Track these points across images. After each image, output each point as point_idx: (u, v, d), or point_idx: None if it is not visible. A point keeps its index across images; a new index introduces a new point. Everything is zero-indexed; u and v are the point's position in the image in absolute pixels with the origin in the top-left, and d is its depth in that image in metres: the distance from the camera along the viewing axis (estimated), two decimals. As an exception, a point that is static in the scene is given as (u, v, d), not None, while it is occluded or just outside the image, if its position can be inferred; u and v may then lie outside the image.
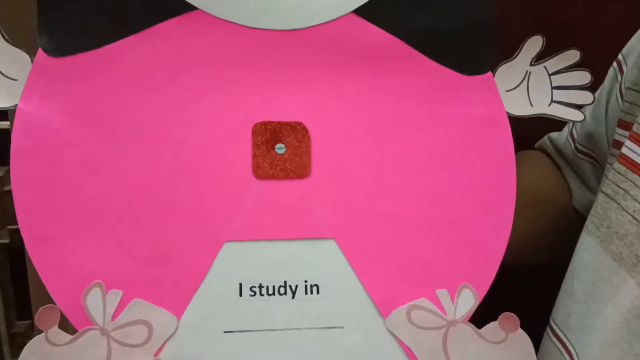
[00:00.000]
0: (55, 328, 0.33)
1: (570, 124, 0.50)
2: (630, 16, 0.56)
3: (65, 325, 0.33)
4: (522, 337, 0.37)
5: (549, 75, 0.41)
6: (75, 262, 0.34)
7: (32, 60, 0.35)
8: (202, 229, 0.36)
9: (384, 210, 0.38)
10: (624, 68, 0.43)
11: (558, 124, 0.52)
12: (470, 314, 0.37)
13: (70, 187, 0.34)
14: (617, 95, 0.43)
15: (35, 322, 0.32)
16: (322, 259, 0.37)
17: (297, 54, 0.38)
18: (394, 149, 0.38)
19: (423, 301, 0.37)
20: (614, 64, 0.45)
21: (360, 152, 0.38)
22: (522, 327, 0.37)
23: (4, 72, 0.34)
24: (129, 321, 0.33)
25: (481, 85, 0.40)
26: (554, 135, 0.51)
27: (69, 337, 0.33)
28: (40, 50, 0.35)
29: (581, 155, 0.47)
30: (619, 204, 0.37)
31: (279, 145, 0.37)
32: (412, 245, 0.38)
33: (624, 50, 0.44)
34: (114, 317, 0.33)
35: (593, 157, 0.46)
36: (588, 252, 0.38)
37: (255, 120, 0.37)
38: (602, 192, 0.39)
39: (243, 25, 0.37)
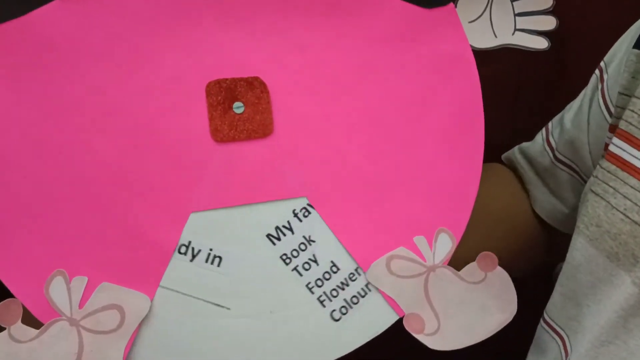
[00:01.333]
0: (19, 323, 0.31)
1: (544, 132, 0.48)
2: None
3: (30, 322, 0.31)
4: (501, 275, 0.37)
5: (511, 1, 0.39)
6: (33, 252, 0.31)
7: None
8: (166, 203, 0.34)
9: (354, 162, 0.36)
10: (605, 76, 0.42)
11: (523, 132, 0.50)
12: (449, 257, 0.37)
13: (14, 172, 0.32)
14: (599, 103, 0.42)
15: None
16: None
17: (247, 2, 0.35)
18: (359, 96, 0.36)
19: (401, 250, 0.36)
20: (596, 71, 0.44)
21: (324, 103, 0.36)
22: (514, 321, 0.37)
23: None
24: (98, 307, 0.32)
25: (444, 19, 0.38)
26: (524, 145, 0.49)
27: (34, 331, 0.31)
28: None
29: (560, 165, 0.45)
30: (608, 202, 0.37)
31: (236, 104, 0.35)
32: (386, 195, 0.37)
33: (606, 58, 0.43)
34: (81, 305, 0.32)
35: (573, 168, 0.45)
36: (580, 252, 0.38)
37: (208, 79, 0.35)
38: (592, 191, 0.38)
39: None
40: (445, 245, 0.37)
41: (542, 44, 0.39)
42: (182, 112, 0.34)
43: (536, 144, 0.48)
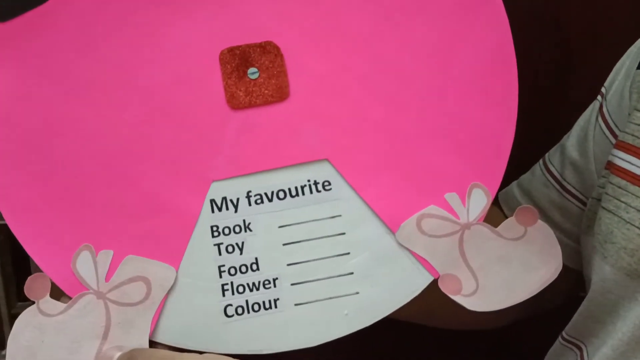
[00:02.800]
0: (47, 297, 0.31)
1: (540, 162, 0.45)
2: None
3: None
4: (543, 229, 0.35)
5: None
6: (58, 228, 0.32)
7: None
8: (186, 172, 0.34)
9: (376, 118, 0.35)
10: (604, 103, 0.41)
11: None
12: (484, 213, 0.35)
13: (39, 152, 0.33)
14: (601, 128, 0.40)
15: (25, 292, 0.31)
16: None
17: (254, -35, 0.34)
18: (377, 49, 0.35)
19: (432, 208, 0.35)
20: (598, 97, 0.42)
21: (340, 59, 0.35)
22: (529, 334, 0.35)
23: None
24: (124, 279, 0.32)
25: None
26: (522, 180, 0.46)
27: (62, 305, 0.31)
28: None
29: (569, 197, 0.43)
30: (621, 217, 0.35)
31: (251, 69, 0.34)
32: (412, 151, 0.35)
33: (606, 84, 0.42)
34: (107, 278, 0.32)
35: (582, 202, 0.42)
36: (598, 273, 0.36)
37: (221, 47, 0.34)
38: (603, 208, 0.37)
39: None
40: (480, 201, 0.35)
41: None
42: (197, 81, 0.34)
43: (535, 176, 0.45)
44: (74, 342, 0.31)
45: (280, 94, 0.34)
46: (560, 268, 0.35)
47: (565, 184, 0.43)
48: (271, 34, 0.34)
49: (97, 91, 0.33)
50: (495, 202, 0.46)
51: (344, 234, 0.34)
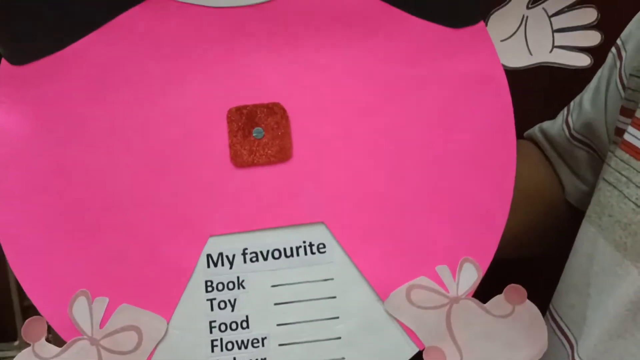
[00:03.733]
0: (43, 341, 0.32)
1: (565, 112, 0.46)
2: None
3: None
4: (530, 309, 0.35)
5: (549, 17, 0.37)
6: (58, 271, 0.33)
7: (-3, 71, 0.34)
8: (185, 225, 0.35)
9: (374, 187, 0.35)
10: (623, 54, 0.40)
11: (549, 112, 0.48)
12: (474, 289, 0.35)
13: (46, 194, 0.34)
14: (616, 82, 0.40)
15: (22, 335, 0.32)
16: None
17: (268, 29, 0.35)
18: (381, 120, 0.36)
19: (423, 279, 0.35)
20: (613, 49, 0.42)
21: (344, 127, 0.36)
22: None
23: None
24: (117, 328, 0.33)
25: (473, 38, 0.36)
26: (545, 124, 0.48)
27: (57, 349, 0.33)
28: (3, 60, 0.34)
29: (577, 143, 0.44)
30: (621, 191, 0.35)
31: (256, 129, 0.36)
32: (407, 221, 0.35)
33: (622, 35, 0.41)
34: (102, 324, 0.33)
35: (590, 146, 0.43)
36: (589, 242, 0.36)
37: (229, 105, 0.35)
38: (604, 180, 0.37)
39: (207, 6, 0.35)
40: (470, 275, 0.35)
41: (584, 61, 0.37)
42: (204, 136, 0.35)
43: (556, 124, 0.47)
44: (64, 388, 0.32)
45: (283, 155, 0.35)
46: (545, 349, 0.35)
47: (575, 133, 0.44)
48: (279, 96, 0.35)
49: (105, 139, 0.34)
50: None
51: (334, 297, 0.35)
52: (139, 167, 0.35)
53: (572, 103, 0.46)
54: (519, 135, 0.41)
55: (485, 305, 0.35)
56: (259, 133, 0.35)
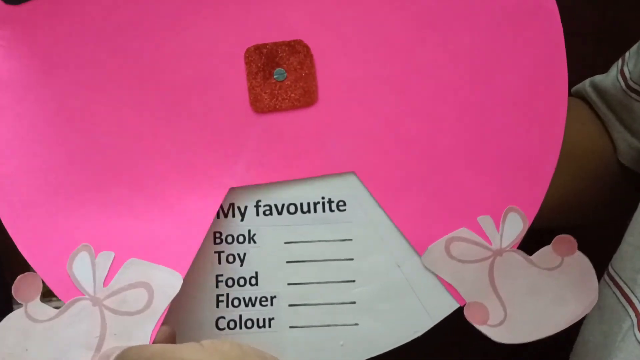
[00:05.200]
0: (37, 300, 0.29)
1: (620, 62, 0.42)
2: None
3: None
4: (580, 260, 0.33)
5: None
6: (58, 227, 0.30)
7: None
8: (202, 177, 0.32)
9: (409, 132, 0.32)
10: None
11: (599, 65, 0.44)
12: (519, 240, 0.32)
13: (47, 144, 0.31)
14: None
15: (13, 294, 0.29)
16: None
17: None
18: (416, 57, 0.32)
19: (463, 231, 0.32)
20: None
21: (375, 67, 0.32)
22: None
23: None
24: (124, 285, 0.30)
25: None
26: (597, 78, 0.44)
27: (53, 310, 0.29)
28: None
29: (635, 95, 0.40)
30: None
31: (277, 70, 0.32)
32: (446, 169, 0.32)
33: None
34: (106, 282, 0.30)
35: None
36: None
37: (247, 45, 0.32)
38: None
39: None
40: (516, 226, 0.32)
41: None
42: (220, 80, 0.32)
43: (609, 76, 0.42)
44: (62, 352, 0.29)
45: (308, 98, 0.32)
46: (594, 303, 0.32)
47: (632, 84, 0.40)
48: (302, 34, 0.32)
49: (112, 84, 0.31)
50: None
51: (352, 259, 0.32)
52: (150, 115, 0.31)
53: (627, 53, 0.42)
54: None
55: (531, 257, 0.33)
56: (280, 75, 0.32)
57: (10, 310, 0.28)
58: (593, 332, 0.35)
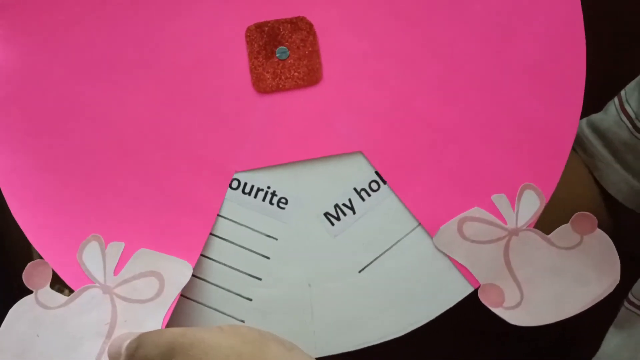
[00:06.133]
0: (47, 288, 0.29)
1: (617, 101, 0.40)
2: None
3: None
4: (601, 238, 0.31)
5: None
6: (67, 218, 0.30)
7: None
8: (207, 164, 0.31)
9: (418, 109, 0.31)
10: None
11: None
12: (536, 218, 0.31)
13: (53, 135, 0.30)
14: None
15: (24, 280, 0.29)
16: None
17: None
18: (424, 28, 0.31)
19: (476, 211, 0.31)
20: None
21: (381, 40, 0.31)
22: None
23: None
24: (135, 274, 0.30)
25: None
26: (594, 117, 0.41)
27: (63, 298, 0.29)
28: None
29: None
30: None
31: (280, 49, 0.31)
32: (457, 146, 0.31)
33: None
34: (116, 272, 0.30)
35: None
36: None
37: (247, 23, 0.31)
38: None
39: None
40: (532, 204, 0.31)
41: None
42: (221, 61, 0.31)
43: (609, 116, 0.40)
44: (73, 339, 0.29)
45: (312, 77, 0.31)
46: (617, 282, 0.31)
47: (638, 124, 0.38)
48: (304, 10, 0.31)
49: (113, 71, 0.31)
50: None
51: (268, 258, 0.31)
52: (152, 101, 0.31)
53: (623, 91, 0.40)
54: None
55: (549, 236, 0.31)
56: (283, 53, 0.31)
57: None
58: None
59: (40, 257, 0.30)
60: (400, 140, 0.31)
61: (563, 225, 0.31)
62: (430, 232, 0.31)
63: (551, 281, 0.31)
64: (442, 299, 0.31)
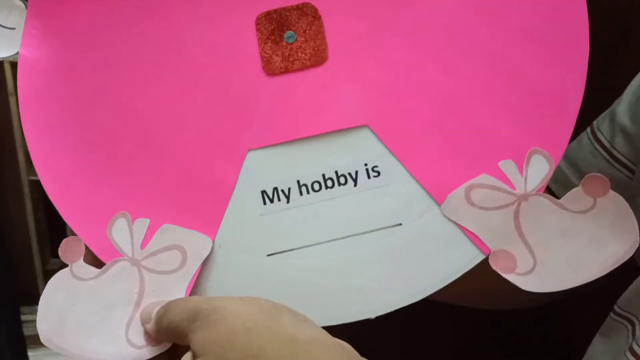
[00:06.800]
0: (81, 261, 0.32)
1: (588, 130, 0.40)
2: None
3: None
4: (615, 200, 0.30)
5: None
6: (96, 197, 0.33)
7: (27, 6, 0.33)
8: (222, 143, 0.33)
9: (420, 79, 0.32)
10: None
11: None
12: (546, 182, 0.31)
13: (82, 122, 0.33)
14: None
15: (59, 255, 0.32)
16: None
17: None
18: (421, 3, 0.32)
19: (484, 177, 0.31)
20: None
21: (380, 17, 0.32)
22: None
23: (1, 23, 0.34)
24: (160, 248, 0.32)
25: None
26: (569, 148, 0.40)
27: (96, 270, 0.32)
28: None
29: (619, 166, 0.37)
30: None
31: (287, 33, 0.33)
32: (461, 114, 0.32)
33: None
34: (142, 246, 0.32)
35: (631, 170, 0.37)
36: None
37: (255, 11, 0.33)
38: None
39: None
40: (541, 168, 0.31)
41: None
42: (232, 48, 0.33)
43: (583, 146, 0.40)
44: (106, 307, 0.31)
45: (318, 57, 0.33)
46: (637, 243, 0.30)
47: (615, 152, 0.38)
48: (306, -7, 0.33)
49: (134, 62, 0.33)
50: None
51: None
52: (169, 89, 0.33)
53: (595, 122, 0.40)
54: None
55: (560, 200, 0.31)
56: (290, 37, 0.33)
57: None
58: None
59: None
60: (405, 113, 0.32)
61: (574, 189, 0.31)
62: (438, 201, 0.32)
63: (565, 244, 0.30)
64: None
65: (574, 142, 0.41)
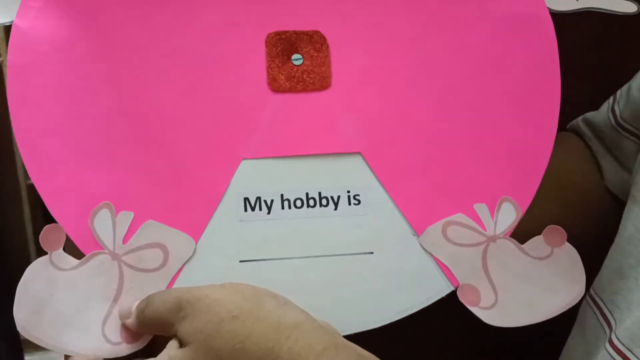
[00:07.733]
0: (60, 251, 0.31)
1: (611, 100, 0.45)
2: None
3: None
4: (569, 252, 0.34)
5: (596, -37, 0.36)
6: (81, 183, 0.32)
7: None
8: (218, 147, 0.33)
9: (414, 120, 0.34)
10: None
11: (595, 103, 0.47)
12: (512, 228, 0.34)
13: (72, 105, 0.32)
14: None
15: (40, 241, 0.30)
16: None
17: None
18: (424, 51, 0.35)
19: (460, 216, 0.34)
20: None
21: (386, 57, 0.35)
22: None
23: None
24: (142, 244, 0.32)
25: (519, -21, 0.35)
26: (590, 114, 0.46)
27: (75, 261, 0.31)
28: None
29: (624, 132, 0.42)
30: None
31: (295, 56, 0.34)
32: (447, 157, 0.34)
33: None
34: (125, 240, 0.32)
35: (637, 136, 0.41)
36: (633, 222, 0.34)
37: (266, 29, 0.34)
38: None
39: None
40: (509, 215, 0.34)
41: (630, 7, 0.36)
42: (241, 61, 0.34)
43: (601, 113, 0.44)
44: (83, 300, 0.30)
45: (322, 83, 0.34)
46: (582, 293, 0.34)
47: (622, 122, 0.41)
48: (319, 24, 0.35)
49: (138, 55, 0.33)
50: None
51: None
52: (173, 86, 0.33)
53: (618, 91, 0.44)
54: (562, 127, 0.40)
55: (523, 246, 0.34)
56: (297, 59, 0.34)
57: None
58: (576, 349, 0.36)
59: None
60: (397, 147, 0.34)
61: (536, 237, 0.34)
62: (417, 232, 0.34)
63: (523, 287, 0.34)
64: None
65: (598, 110, 0.44)
